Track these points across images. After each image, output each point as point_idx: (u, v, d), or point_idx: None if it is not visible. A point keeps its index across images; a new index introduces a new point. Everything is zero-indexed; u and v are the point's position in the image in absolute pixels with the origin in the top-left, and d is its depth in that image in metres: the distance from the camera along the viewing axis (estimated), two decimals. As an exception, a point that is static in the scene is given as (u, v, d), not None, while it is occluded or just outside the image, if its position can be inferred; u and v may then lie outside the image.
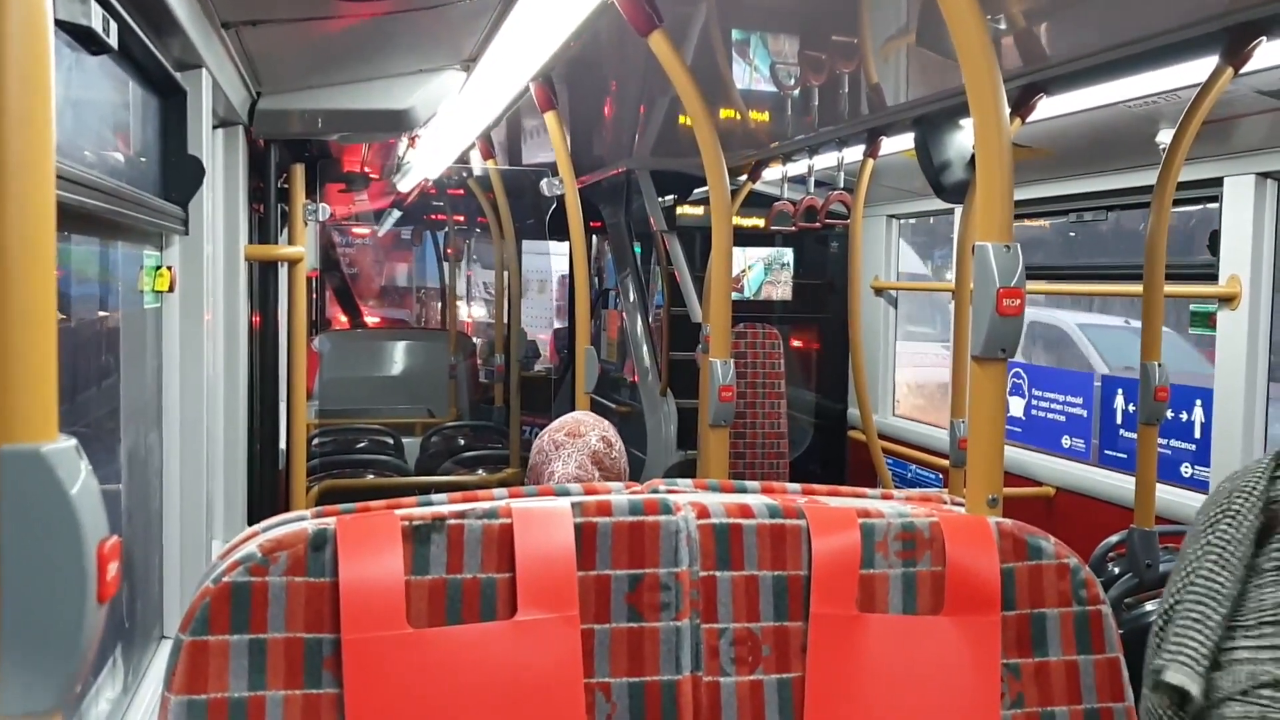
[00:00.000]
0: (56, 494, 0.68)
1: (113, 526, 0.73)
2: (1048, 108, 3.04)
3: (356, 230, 10.57)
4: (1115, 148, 3.60)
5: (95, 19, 1.42)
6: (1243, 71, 2.50)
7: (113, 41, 1.53)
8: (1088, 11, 2.41)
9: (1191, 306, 3.47)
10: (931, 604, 1.18)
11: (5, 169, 0.67)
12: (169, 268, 2.29)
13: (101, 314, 2.07)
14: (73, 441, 0.70)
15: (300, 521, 1.08)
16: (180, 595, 2.41)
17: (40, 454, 0.68)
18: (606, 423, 2.21)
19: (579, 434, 2.11)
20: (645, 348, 5.72)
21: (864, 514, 1.19)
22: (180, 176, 2.30)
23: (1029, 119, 3.05)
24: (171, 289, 2.31)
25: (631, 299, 5.88)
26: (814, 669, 1.15)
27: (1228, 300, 3.31)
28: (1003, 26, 2.51)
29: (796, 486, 1.28)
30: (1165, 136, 3.06)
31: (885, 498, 1.29)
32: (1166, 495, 3.28)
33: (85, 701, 1.85)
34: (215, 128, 2.83)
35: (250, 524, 3.22)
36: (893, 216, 5.45)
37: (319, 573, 1.04)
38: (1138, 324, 3.19)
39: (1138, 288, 3.03)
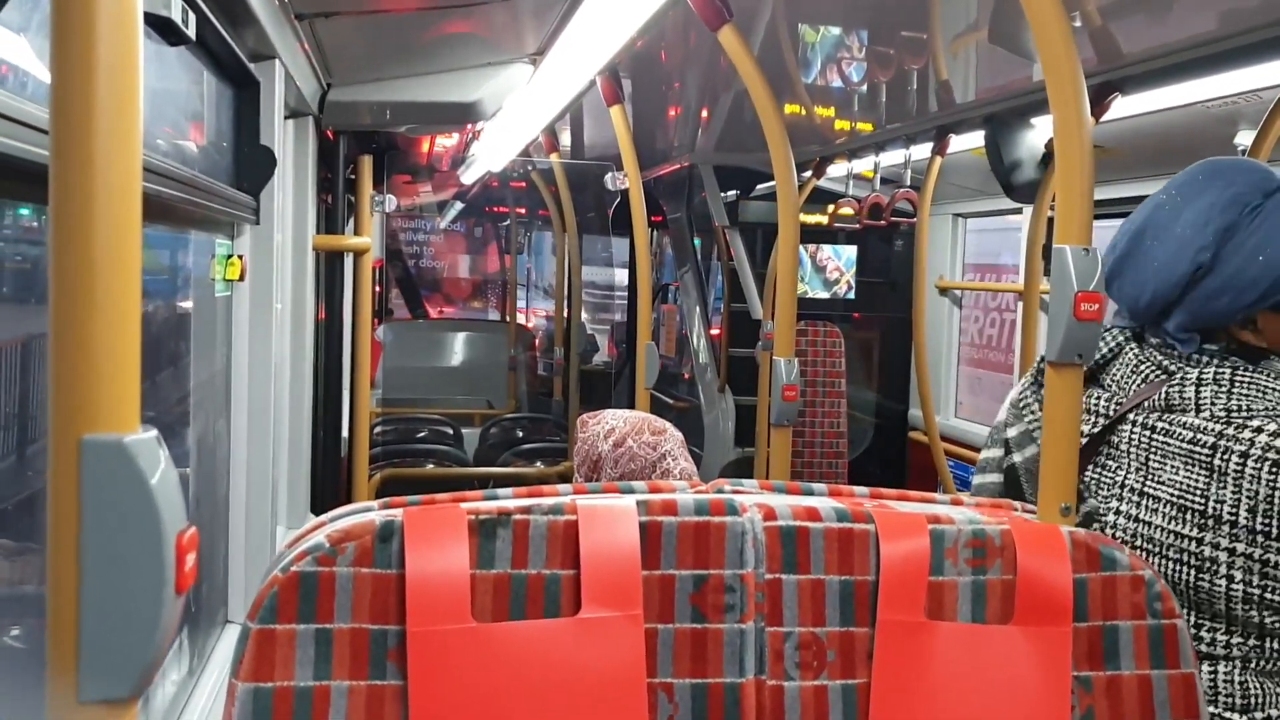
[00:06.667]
0: (137, 484, 0.68)
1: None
2: (1122, 107, 2.97)
3: (427, 215, 10.61)
4: (1191, 149, 3.51)
5: (175, 10, 1.44)
6: (1330, 71, 2.42)
7: (191, 32, 1.55)
8: (1166, 8, 2.34)
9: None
10: (1001, 613, 1.16)
11: (93, 162, 0.67)
12: (240, 256, 2.33)
13: (174, 302, 2.11)
14: (154, 432, 0.70)
15: (367, 513, 1.09)
16: (245, 582, 2.44)
17: (122, 444, 0.68)
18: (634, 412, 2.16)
19: (661, 430, 2.06)
20: (704, 344, 5.70)
21: (933, 520, 1.17)
22: (252, 166, 2.34)
23: (1103, 119, 2.98)
24: (242, 278, 2.34)
25: (691, 295, 5.86)
26: (880, 675, 1.13)
27: (1306, 306, 3.21)
28: (1078, 24, 2.46)
29: (864, 490, 1.26)
30: (1244, 138, 2.97)
31: (955, 504, 1.27)
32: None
33: (152, 685, 1.88)
34: (286, 118, 2.86)
35: (313, 510, 3.27)
36: (959, 215, 5.38)
37: (385, 564, 1.04)
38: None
39: None
